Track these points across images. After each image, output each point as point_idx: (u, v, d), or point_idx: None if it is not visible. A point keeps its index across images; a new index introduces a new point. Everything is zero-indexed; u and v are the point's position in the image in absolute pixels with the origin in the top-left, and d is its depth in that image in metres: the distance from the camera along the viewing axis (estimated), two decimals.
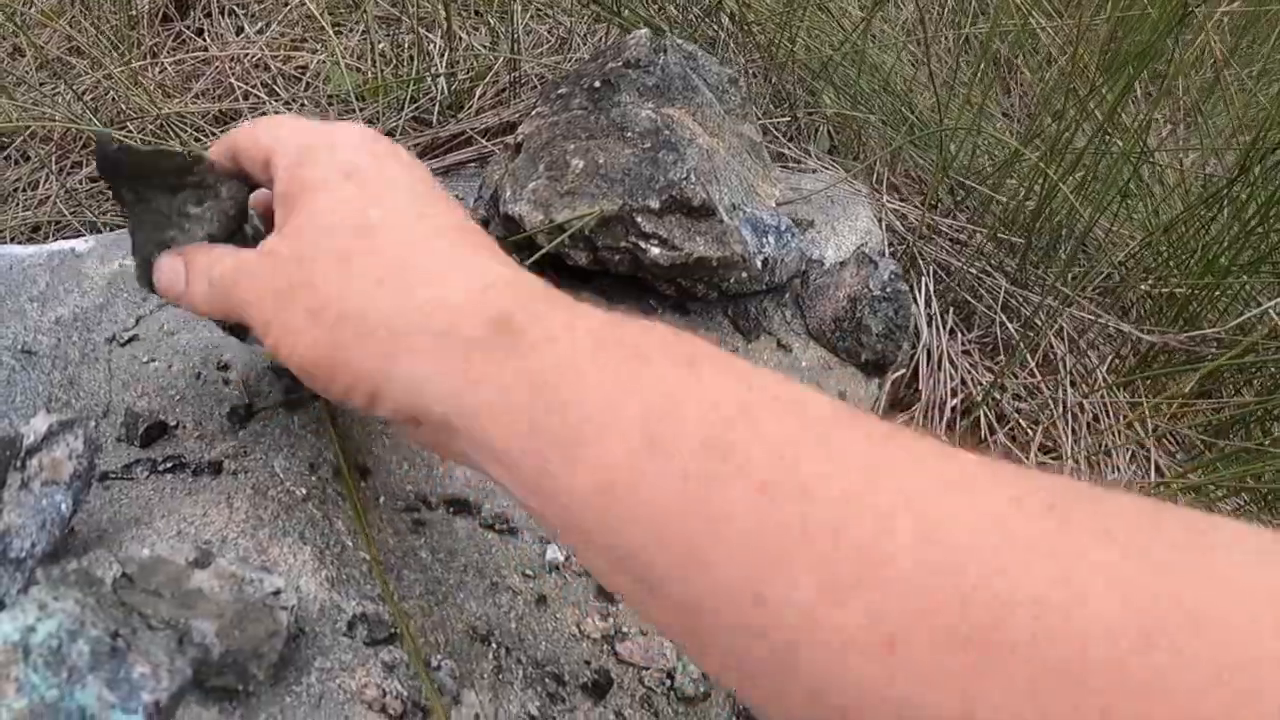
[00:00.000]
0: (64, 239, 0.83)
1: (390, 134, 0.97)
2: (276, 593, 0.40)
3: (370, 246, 0.35)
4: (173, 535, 0.47)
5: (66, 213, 1.00)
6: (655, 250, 0.57)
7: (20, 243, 0.82)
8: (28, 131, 1.05)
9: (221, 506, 0.48)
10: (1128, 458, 0.81)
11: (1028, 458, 0.79)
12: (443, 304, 0.32)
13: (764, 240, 0.63)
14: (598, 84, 0.63)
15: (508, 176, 0.61)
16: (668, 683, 0.52)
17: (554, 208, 0.58)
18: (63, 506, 0.43)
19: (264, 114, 1.02)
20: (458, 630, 0.46)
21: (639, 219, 0.57)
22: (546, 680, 0.47)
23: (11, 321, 0.62)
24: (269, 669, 0.38)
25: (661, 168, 0.58)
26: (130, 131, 1.02)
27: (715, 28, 1.06)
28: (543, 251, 0.58)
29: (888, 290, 0.67)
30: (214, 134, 1.02)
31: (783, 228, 0.64)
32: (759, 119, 0.73)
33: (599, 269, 0.60)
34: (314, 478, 0.51)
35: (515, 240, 0.60)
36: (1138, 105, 1.13)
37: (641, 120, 0.60)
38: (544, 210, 0.58)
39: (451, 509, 0.52)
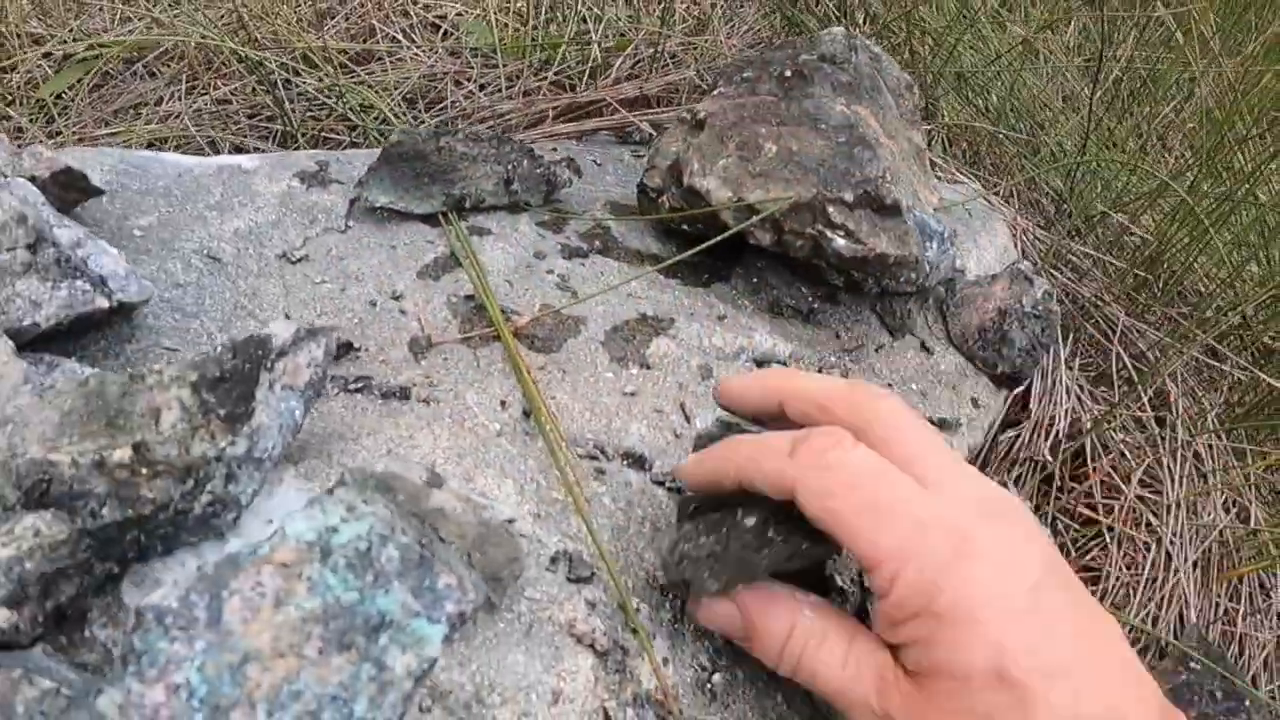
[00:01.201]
0: (227, 155, 0.84)
1: (529, 94, 0.98)
2: (510, 521, 0.41)
3: None
4: (383, 454, 0.48)
5: (192, 129, 1.00)
6: (840, 241, 0.59)
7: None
8: (159, 50, 1.06)
9: (425, 432, 0.50)
10: (1221, 502, 0.83)
11: (1127, 489, 0.81)
12: None
13: (928, 244, 0.64)
14: (788, 73, 0.64)
15: (692, 151, 0.62)
16: None
17: (745, 187, 0.59)
18: (296, 413, 0.44)
19: (400, 59, 1.03)
20: (639, 578, 0.48)
21: (830, 209, 0.58)
22: (714, 635, 0.48)
23: (195, 227, 0.63)
24: (503, 594, 0.40)
25: (857, 163, 0.59)
26: (267, 60, 1.03)
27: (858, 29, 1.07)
28: (733, 231, 0.59)
29: (1039, 309, 0.68)
30: (351, 71, 1.03)
31: (945, 234, 0.66)
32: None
33: (779, 251, 0.61)
34: (505, 414, 0.52)
35: (696, 215, 0.62)
36: None
37: (835, 114, 0.61)
38: (734, 188, 0.60)
39: (627, 461, 0.53)
